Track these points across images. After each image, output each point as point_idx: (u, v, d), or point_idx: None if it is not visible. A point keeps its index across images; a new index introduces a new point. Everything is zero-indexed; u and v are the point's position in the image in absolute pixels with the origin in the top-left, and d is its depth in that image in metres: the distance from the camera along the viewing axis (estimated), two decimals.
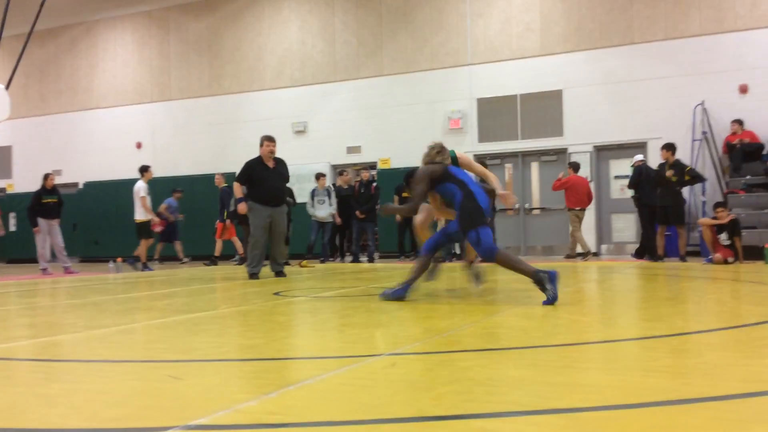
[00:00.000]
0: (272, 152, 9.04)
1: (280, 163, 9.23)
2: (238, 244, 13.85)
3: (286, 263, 13.12)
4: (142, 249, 12.56)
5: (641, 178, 11.78)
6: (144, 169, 12.77)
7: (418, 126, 15.62)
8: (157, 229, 13.81)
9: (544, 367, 2.57)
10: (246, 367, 2.80)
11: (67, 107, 19.88)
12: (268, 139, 9.10)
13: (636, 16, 13.94)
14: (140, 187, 12.45)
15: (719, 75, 13.22)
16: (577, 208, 12.51)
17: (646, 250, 11.80)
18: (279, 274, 9.02)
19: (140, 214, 12.39)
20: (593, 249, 14.02)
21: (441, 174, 5.28)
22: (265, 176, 8.86)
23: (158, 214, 14.62)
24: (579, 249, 12.46)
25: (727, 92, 13.14)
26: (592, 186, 13.71)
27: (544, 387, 2.22)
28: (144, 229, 12.46)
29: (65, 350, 3.40)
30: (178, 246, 15.27)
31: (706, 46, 13.38)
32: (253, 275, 8.67)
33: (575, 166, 12.85)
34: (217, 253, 14.04)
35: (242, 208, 8.77)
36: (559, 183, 12.68)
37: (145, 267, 12.45)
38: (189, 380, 2.46)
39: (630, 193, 12.60)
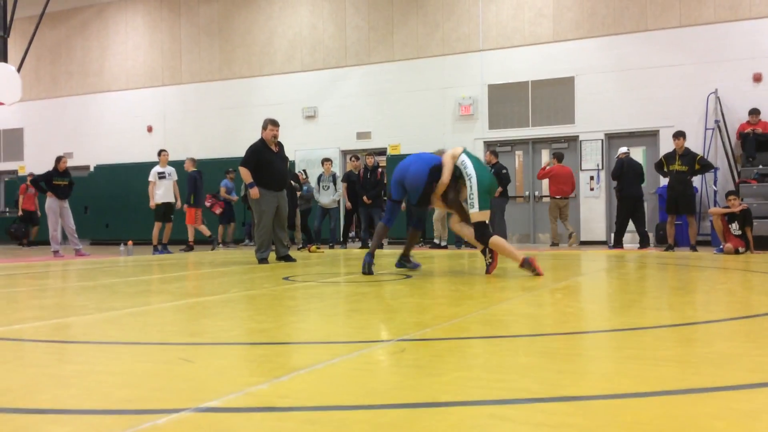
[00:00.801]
0: (276, 136, 8.84)
1: (281, 147, 9.04)
2: (192, 231, 13.64)
3: (302, 247, 13.20)
4: (166, 231, 12.80)
5: (623, 170, 11.95)
6: (159, 153, 12.97)
7: (429, 112, 15.59)
8: (217, 211, 13.91)
9: (554, 355, 2.57)
10: (256, 351, 2.82)
11: (78, 90, 19.93)
12: (272, 123, 8.85)
13: (650, 3, 13.81)
14: (151, 172, 12.66)
15: (733, 63, 13.10)
16: (558, 197, 12.94)
17: (619, 240, 12.04)
18: (287, 258, 8.94)
19: (157, 198, 12.58)
20: (604, 237, 14.00)
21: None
22: (271, 160, 8.69)
23: (215, 196, 14.81)
24: (566, 236, 12.95)
25: (741, 81, 13.03)
26: (602, 174, 13.71)
27: (554, 374, 2.22)
28: (158, 212, 12.60)
29: (77, 332, 3.42)
30: (230, 228, 15.51)
31: (720, 33, 13.25)
32: (263, 260, 8.62)
33: (559, 156, 13.19)
34: (190, 238, 13.72)
35: (255, 192, 8.57)
36: (543, 172, 13.00)
37: (165, 249, 12.61)
38: (200, 363, 2.48)
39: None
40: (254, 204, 8.71)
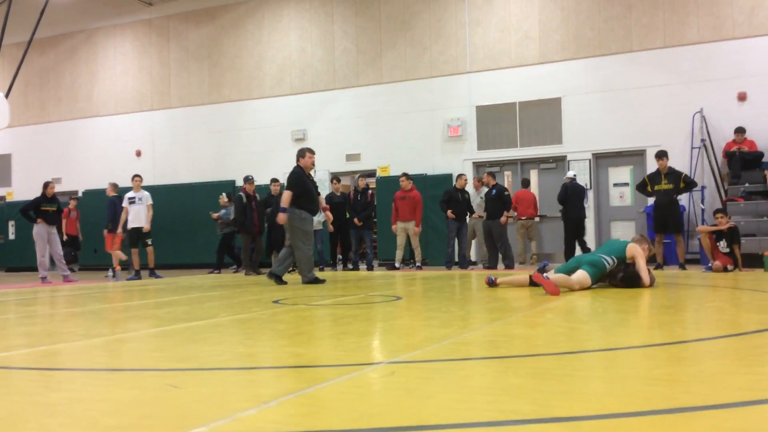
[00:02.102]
0: (313, 164, 9.46)
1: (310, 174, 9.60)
2: (117, 259, 13.16)
3: (292, 270, 13.19)
4: (150, 256, 12.76)
5: (567, 194, 12.60)
6: (131, 178, 12.99)
7: (418, 133, 15.66)
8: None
9: (545, 376, 2.57)
10: (245, 376, 2.80)
11: (66, 115, 19.90)
12: (310, 151, 9.46)
13: (634, 24, 13.98)
14: (123, 198, 12.69)
15: (718, 83, 13.25)
16: (524, 218, 13.97)
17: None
18: (315, 280, 9.06)
19: (129, 223, 12.52)
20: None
21: None
22: (310, 188, 9.20)
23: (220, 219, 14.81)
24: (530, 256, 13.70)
25: (726, 100, 13.17)
26: (591, 194, 13.95)
27: (545, 395, 2.21)
28: (131, 237, 12.57)
29: (64, 359, 3.39)
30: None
31: (704, 53, 13.42)
32: (316, 279, 8.99)
33: (524, 183, 14.34)
34: (116, 264, 13.24)
35: (282, 218, 8.91)
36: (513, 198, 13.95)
37: (137, 275, 12.51)
38: (188, 389, 2.46)
39: (629, 201, 13.10)
40: (297, 227, 8.94)
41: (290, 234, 9.19)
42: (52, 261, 12.43)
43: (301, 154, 9.35)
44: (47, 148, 19.95)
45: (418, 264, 13.20)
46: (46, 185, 12.12)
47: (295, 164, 9.47)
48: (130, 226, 12.48)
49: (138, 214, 12.49)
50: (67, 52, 20.06)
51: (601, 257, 6.91)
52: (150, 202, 12.66)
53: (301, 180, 9.06)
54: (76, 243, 17.06)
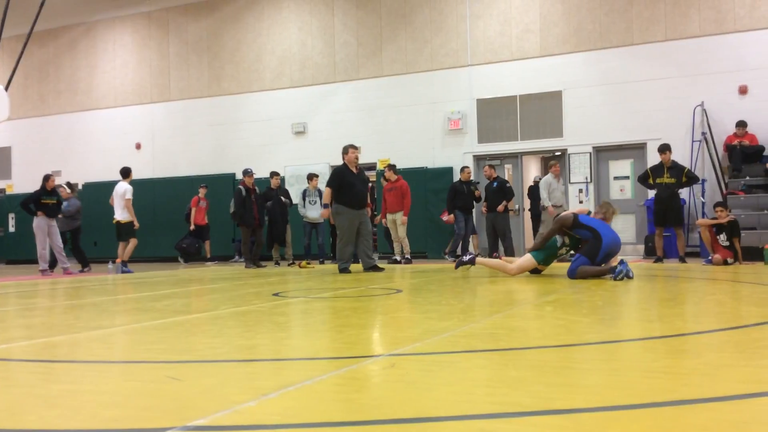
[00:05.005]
0: (357, 158, 9.85)
1: (361, 170, 10.00)
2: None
3: (292, 263, 13.23)
4: (122, 249, 12.29)
5: (533, 193, 13.71)
6: (129, 171, 12.59)
7: (418, 126, 15.64)
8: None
9: (544, 368, 2.57)
10: (245, 368, 2.80)
11: (66, 108, 19.88)
12: (353, 147, 9.88)
13: (635, 18, 13.95)
14: (127, 189, 12.16)
15: (719, 76, 13.22)
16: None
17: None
18: (374, 268, 9.70)
19: (124, 215, 12.17)
20: None
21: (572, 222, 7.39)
22: (352, 181, 9.59)
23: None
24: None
25: (727, 93, 13.15)
26: (591, 187, 14.01)
27: (545, 388, 2.21)
28: (127, 230, 12.26)
29: (64, 351, 3.39)
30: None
31: (705, 47, 13.39)
32: (345, 269, 9.55)
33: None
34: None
35: (325, 213, 9.78)
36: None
37: (125, 268, 12.17)
38: (188, 381, 2.46)
39: (630, 194, 13.31)
40: (337, 220, 9.75)
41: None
42: (52, 254, 12.42)
43: (345, 151, 9.85)
44: (47, 140, 19.94)
45: (406, 257, 12.90)
46: (46, 178, 12.11)
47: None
48: (132, 218, 12.26)
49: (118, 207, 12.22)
50: (67, 45, 20.01)
51: (556, 237, 7.63)
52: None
53: (339, 176, 9.60)
54: (203, 233, 15.81)
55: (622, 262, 6.98)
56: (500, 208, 12.73)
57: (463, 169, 13.49)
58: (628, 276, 6.78)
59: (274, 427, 1.83)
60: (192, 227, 15.42)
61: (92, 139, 19.40)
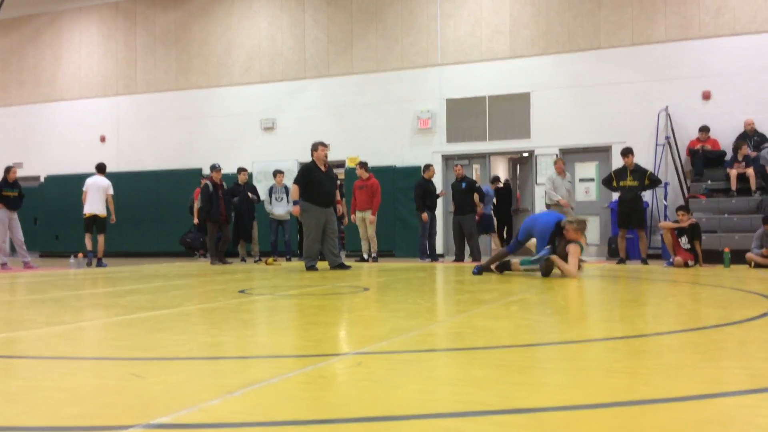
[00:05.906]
0: (326, 156, 9.88)
1: (330, 168, 10.01)
2: None
3: (258, 260, 13.15)
4: (100, 244, 12.34)
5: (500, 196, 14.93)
6: (105, 166, 12.67)
7: (388, 125, 15.65)
8: None
9: (509, 367, 2.59)
10: (210, 366, 2.78)
11: (29, 99, 19.47)
12: (323, 145, 9.97)
13: (603, 22, 14.13)
14: (109, 184, 12.38)
15: (683, 81, 13.47)
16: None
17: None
18: (340, 266, 9.72)
19: (102, 209, 12.23)
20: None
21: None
22: (320, 179, 9.60)
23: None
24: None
25: (691, 98, 13.40)
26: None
27: (509, 387, 2.24)
28: (104, 224, 12.33)
29: (24, 347, 3.33)
30: None
31: (670, 52, 13.62)
32: (312, 267, 9.56)
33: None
34: None
35: (296, 210, 9.67)
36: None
37: (99, 263, 12.22)
38: (151, 378, 2.43)
39: (594, 196, 13.62)
40: (303, 218, 9.74)
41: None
42: (12, 247, 12.19)
43: (314, 148, 9.85)
44: (9, 131, 19.51)
45: (373, 255, 12.91)
46: (7, 170, 11.87)
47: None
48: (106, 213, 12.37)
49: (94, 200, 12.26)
50: (31, 35, 19.60)
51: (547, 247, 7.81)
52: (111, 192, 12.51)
53: (307, 173, 9.62)
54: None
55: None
56: (479, 209, 12.93)
57: (427, 167, 13.20)
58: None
59: (238, 425, 1.82)
60: (196, 221, 14.69)
61: (55, 131, 19.03)
